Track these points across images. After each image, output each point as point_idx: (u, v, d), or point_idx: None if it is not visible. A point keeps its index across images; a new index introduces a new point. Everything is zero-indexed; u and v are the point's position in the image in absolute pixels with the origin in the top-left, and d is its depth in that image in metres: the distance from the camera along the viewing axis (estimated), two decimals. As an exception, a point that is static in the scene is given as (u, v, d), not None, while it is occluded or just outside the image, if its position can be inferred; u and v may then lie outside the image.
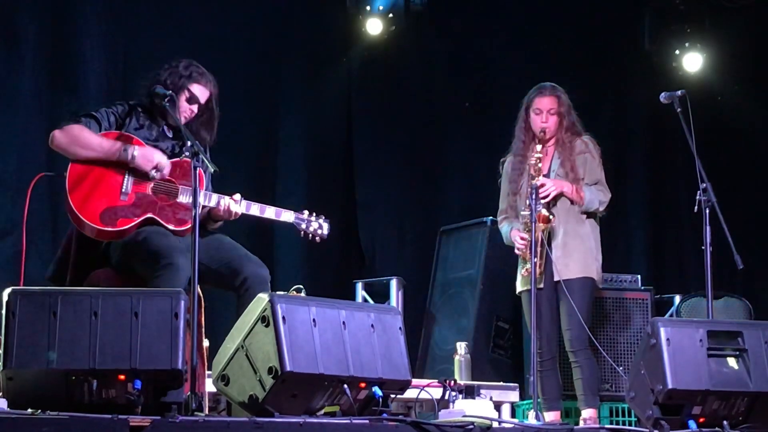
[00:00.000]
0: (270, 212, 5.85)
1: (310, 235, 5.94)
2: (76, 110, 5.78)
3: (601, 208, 6.81)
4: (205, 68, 5.92)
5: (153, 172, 5.56)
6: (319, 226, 5.95)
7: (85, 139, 5.56)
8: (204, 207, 5.68)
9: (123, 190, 5.54)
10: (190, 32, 8.62)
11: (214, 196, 5.71)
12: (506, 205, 6.91)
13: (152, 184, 5.61)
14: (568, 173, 6.74)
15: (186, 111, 5.79)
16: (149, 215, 5.56)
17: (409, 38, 9.62)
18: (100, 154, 5.53)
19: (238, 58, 8.87)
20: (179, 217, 5.61)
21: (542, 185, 6.63)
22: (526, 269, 6.58)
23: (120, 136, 5.63)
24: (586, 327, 6.54)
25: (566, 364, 6.79)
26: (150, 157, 5.57)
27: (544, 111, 6.79)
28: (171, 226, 5.58)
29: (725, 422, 5.04)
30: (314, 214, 5.96)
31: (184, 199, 5.61)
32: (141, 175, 5.59)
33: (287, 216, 5.89)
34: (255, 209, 5.81)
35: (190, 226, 5.50)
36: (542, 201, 6.61)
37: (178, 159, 5.70)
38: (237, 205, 5.73)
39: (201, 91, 5.84)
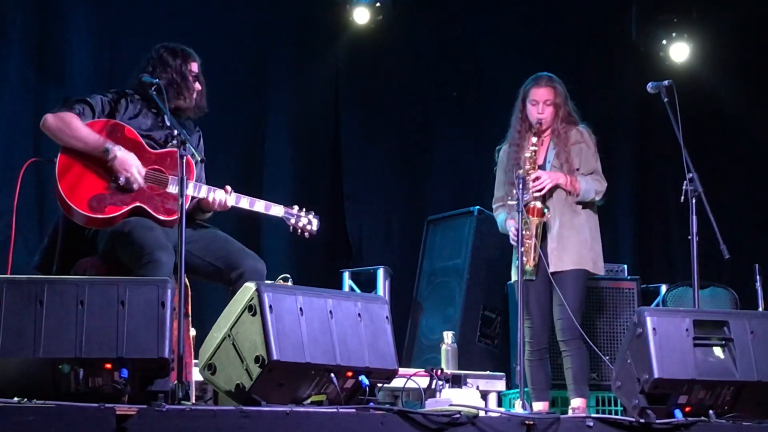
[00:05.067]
0: (259, 206, 5.83)
1: (299, 230, 5.93)
2: (69, 96, 5.74)
3: (598, 198, 6.82)
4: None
5: (122, 180, 5.54)
6: (308, 221, 5.93)
7: (74, 129, 5.53)
8: (194, 198, 5.67)
9: (112, 177, 5.54)
10: (177, 21, 8.61)
11: (204, 188, 5.69)
12: (502, 194, 6.91)
13: (143, 172, 5.60)
14: (563, 164, 6.75)
15: (197, 90, 5.82)
16: (137, 204, 5.55)
17: (397, 28, 9.61)
18: (84, 148, 5.51)
19: (225, 47, 8.85)
20: (168, 207, 5.60)
21: (537, 178, 6.65)
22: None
23: (114, 125, 5.62)
24: (574, 318, 6.55)
25: (557, 354, 6.80)
26: (127, 165, 5.52)
27: (540, 102, 6.81)
28: (159, 216, 5.58)
29: (711, 412, 5.05)
30: (304, 210, 5.95)
31: (173, 189, 5.60)
32: None
33: (277, 210, 5.88)
34: (244, 202, 5.79)
35: (178, 216, 5.52)
36: (537, 194, 6.63)
37: (169, 149, 5.69)
38: (227, 196, 5.72)
39: (197, 66, 5.87)
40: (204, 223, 5.83)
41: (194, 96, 5.85)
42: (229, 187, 5.75)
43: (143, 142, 5.65)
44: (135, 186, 5.54)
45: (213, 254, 5.65)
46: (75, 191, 5.48)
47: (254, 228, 8.76)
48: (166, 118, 5.51)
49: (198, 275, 5.66)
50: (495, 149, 7.03)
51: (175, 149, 5.53)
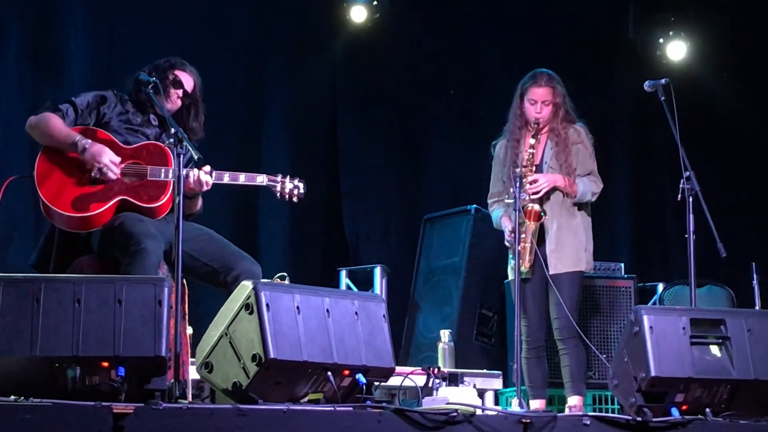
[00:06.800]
0: (242, 178, 5.83)
1: (287, 196, 5.91)
2: (57, 98, 5.79)
3: (594, 199, 6.81)
4: (190, 55, 5.94)
5: (95, 172, 5.55)
6: (294, 186, 5.91)
7: (49, 126, 5.62)
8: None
9: (92, 176, 5.56)
10: (175, 19, 8.61)
11: (183, 171, 5.70)
12: (498, 189, 6.89)
13: (122, 168, 5.61)
14: (562, 165, 6.73)
15: (172, 96, 5.82)
16: (122, 197, 5.58)
17: (394, 25, 9.61)
18: (56, 144, 5.60)
19: (223, 45, 8.85)
20: (151, 194, 5.64)
21: (534, 181, 6.64)
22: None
23: (85, 130, 5.67)
24: (571, 318, 6.54)
25: (554, 352, 6.80)
26: (99, 156, 5.56)
27: (538, 102, 6.77)
28: (143, 204, 5.59)
29: (708, 410, 5.05)
30: (288, 177, 5.93)
31: (153, 177, 5.63)
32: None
33: (261, 179, 5.87)
34: (227, 178, 5.79)
35: (163, 201, 5.61)
36: (534, 197, 6.62)
37: (145, 143, 5.73)
38: (207, 175, 5.72)
39: (185, 78, 5.87)
40: (196, 223, 5.84)
41: (169, 103, 5.85)
42: (208, 167, 5.75)
43: (116, 141, 5.69)
44: (111, 175, 5.57)
45: (209, 255, 5.66)
46: (57, 196, 5.54)
47: (251, 226, 8.76)
48: (164, 115, 5.52)
49: (192, 276, 5.66)
50: (491, 144, 7.00)
51: (151, 142, 5.69)
